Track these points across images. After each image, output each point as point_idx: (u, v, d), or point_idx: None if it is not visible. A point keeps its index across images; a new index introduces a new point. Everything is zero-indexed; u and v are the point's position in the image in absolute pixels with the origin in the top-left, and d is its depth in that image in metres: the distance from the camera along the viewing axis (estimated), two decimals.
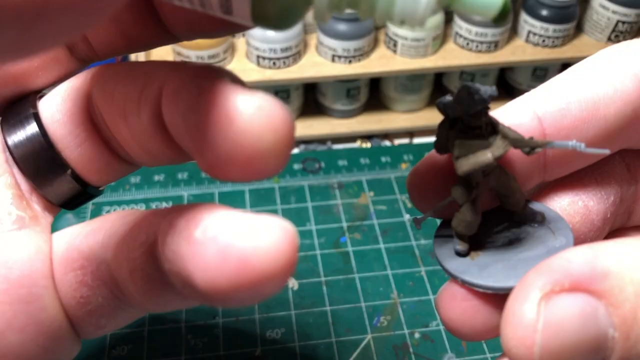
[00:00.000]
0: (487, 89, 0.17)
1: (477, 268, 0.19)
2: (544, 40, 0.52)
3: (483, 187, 0.18)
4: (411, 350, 0.39)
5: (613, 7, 0.51)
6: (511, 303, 0.15)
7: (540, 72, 0.56)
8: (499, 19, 0.15)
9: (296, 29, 0.49)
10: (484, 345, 0.39)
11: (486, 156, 0.17)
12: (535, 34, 0.52)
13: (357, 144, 0.56)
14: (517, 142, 0.18)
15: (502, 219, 0.20)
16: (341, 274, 0.44)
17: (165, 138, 0.19)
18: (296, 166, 0.52)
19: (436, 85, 0.57)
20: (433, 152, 0.20)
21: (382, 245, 0.45)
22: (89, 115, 0.21)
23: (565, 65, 0.57)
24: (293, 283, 0.43)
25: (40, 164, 0.21)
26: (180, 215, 0.16)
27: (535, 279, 0.15)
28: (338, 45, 0.49)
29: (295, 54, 0.50)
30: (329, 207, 0.48)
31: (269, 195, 0.49)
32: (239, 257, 0.14)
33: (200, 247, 0.15)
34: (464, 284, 0.19)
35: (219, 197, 0.49)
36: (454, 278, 0.19)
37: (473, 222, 0.19)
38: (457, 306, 0.20)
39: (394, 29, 0.50)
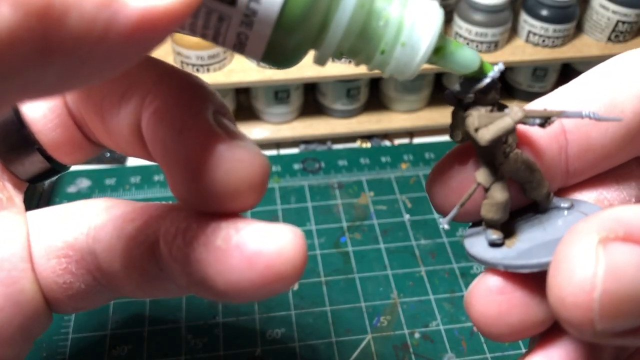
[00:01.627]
0: (494, 69, 0.18)
1: (516, 252, 0.18)
2: (544, 40, 0.52)
3: (506, 167, 0.18)
4: (411, 350, 0.39)
5: (613, 7, 0.51)
6: (563, 249, 0.14)
7: (540, 72, 0.56)
8: (477, 75, 0.17)
9: None
10: (484, 346, 0.39)
11: (506, 121, 0.17)
12: (535, 34, 0.52)
13: (357, 144, 0.56)
14: (532, 111, 0.18)
15: (530, 211, 0.20)
16: (341, 274, 0.44)
17: (142, 147, 0.19)
18: (296, 166, 0.52)
19: (436, 85, 0.57)
20: (450, 152, 0.20)
21: (382, 245, 0.45)
22: (65, 102, 0.21)
23: (565, 65, 0.57)
24: None
25: (14, 143, 0.21)
26: (188, 220, 0.17)
27: (588, 226, 0.14)
28: None
29: None
30: (329, 207, 0.48)
31: (269, 195, 0.49)
32: (264, 263, 0.16)
33: (223, 254, 0.16)
34: (507, 269, 0.17)
35: None
36: (494, 267, 0.18)
37: (504, 204, 0.18)
38: (492, 301, 0.18)
39: None
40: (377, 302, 0.42)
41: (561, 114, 0.18)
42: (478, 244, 0.19)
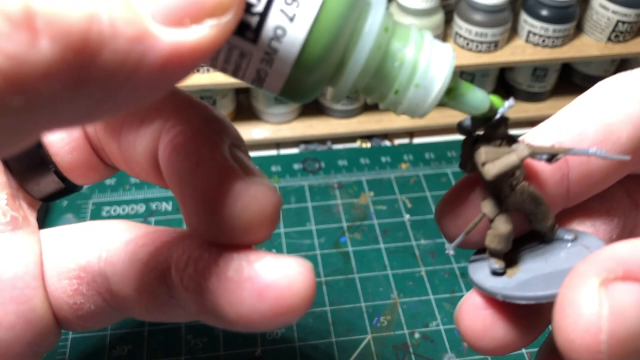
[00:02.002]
0: (504, 105, 0.18)
1: (516, 283, 0.19)
2: (544, 40, 0.52)
3: (512, 200, 0.19)
4: (411, 350, 0.39)
5: (613, 7, 0.51)
6: (566, 293, 0.14)
7: (540, 72, 0.56)
8: (487, 114, 0.18)
9: None
10: None
11: (511, 158, 0.18)
12: (535, 34, 0.52)
13: (357, 144, 0.56)
14: (539, 148, 0.18)
15: (534, 240, 0.20)
16: (341, 274, 0.44)
17: (157, 174, 0.20)
18: (296, 166, 0.52)
19: None
20: (459, 182, 0.21)
21: (382, 245, 0.45)
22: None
23: (565, 65, 0.57)
24: None
25: (31, 164, 0.22)
26: (200, 250, 0.17)
27: (588, 268, 0.14)
28: None
29: None
30: (329, 207, 0.48)
31: None
32: (275, 296, 0.16)
33: (234, 285, 0.16)
34: (505, 299, 0.18)
35: None
36: (494, 296, 0.19)
37: (506, 235, 0.19)
38: (477, 316, 0.19)
39: None
40: (377, 302, 0.42)
41: (568, 152, 0.18)
42: (481, 271, 0.20)
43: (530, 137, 0.20)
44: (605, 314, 0.14)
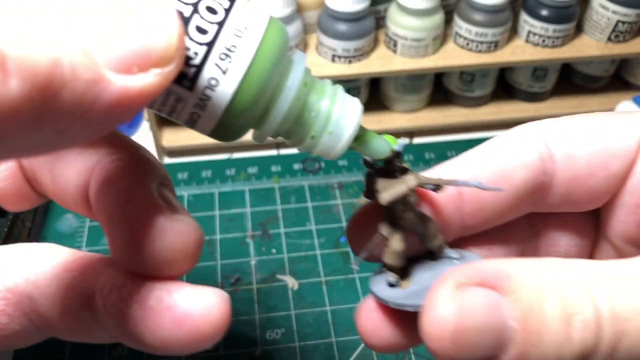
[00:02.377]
0: (398, 143, 0.22)
1: (407, 293, 0.22)
2: (544, 40, 0.52)
3: (405, 222, 0.22)
4: (411, 350, 0.39)
5: (613, 7, 0.51)
6: (432, 292, 0.17)
7: (540, 72, 0.56)
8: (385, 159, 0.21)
9: (296, 28, 0.49)
10: None
11: (401, 187, 0.21)
12: (535, 34, 0.52)
13: None
14: (425, 179, 0.22)
15: (427, 259, 0.24)
16: (341, 274, 0.44)
17: (87, 207, 0.21)
18: (296, 166, 0.52)
19: (436, 85, 0.57)
20: (363, 207, 0.24)
21: None
22: None
23: (565, 65, 0.57)
24: (293, 283, 0.43)
25: None
26: (124, 278, 0.19)
27: (450, 275, 0.17)
28: (338, 45, 0.49)
29: None
30: (329, 207, 0.48)
31: (269, 195, 0.49)
32: (192, 324, 0.18)
33: (154, 313, 0.18)
34: (397, 307, 0.21)
35: (219, 197, 0.49)
36: (387, 304, 0.22)
37: (400, 253, 0.22)
38: (370, 317, 0.23)
39: (394, 29, 0.50)
40: None
41: (451, 183, 0.21)
42: (379, 283, 0.23)
43: (436, 172, 0.23)
44: (454, 311, 0.17)
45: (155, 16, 0.14)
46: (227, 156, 0.54)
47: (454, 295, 0.17)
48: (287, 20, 0.48)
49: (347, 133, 0.20)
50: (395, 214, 0.22)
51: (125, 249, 0.18)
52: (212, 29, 0.17)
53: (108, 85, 0.14)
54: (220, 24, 0.17)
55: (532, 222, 0.26)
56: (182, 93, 0.17)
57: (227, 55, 0.17)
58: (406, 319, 0.22)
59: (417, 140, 0.56)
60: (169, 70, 0.15)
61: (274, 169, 0.52)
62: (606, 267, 0.17)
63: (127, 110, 0.14)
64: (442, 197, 0.23)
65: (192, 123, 0.18)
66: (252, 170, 0.52)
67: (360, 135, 0.20)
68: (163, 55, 0.14)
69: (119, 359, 0.38)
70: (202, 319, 0.18)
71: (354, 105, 0.20)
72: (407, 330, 0.22)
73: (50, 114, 0.13)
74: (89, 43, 0.14)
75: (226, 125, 0.18)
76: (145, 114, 0.56)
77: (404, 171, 0.22)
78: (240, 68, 0.17)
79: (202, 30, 0.17)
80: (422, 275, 0.23)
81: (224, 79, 0.17)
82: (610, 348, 0.16)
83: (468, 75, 0.55)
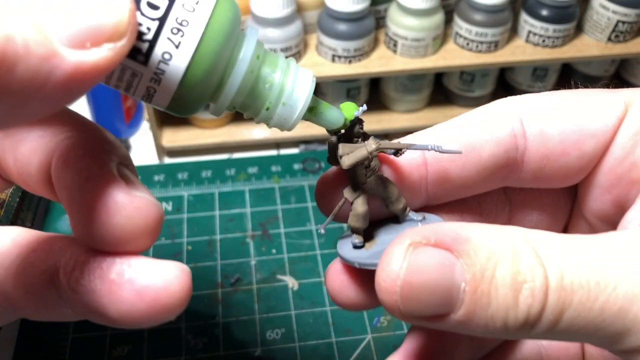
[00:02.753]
0: (358, 109, 0.22)
1: (369, 254, 0.23)
2: (544, 40, 0.52)
3: (367, 186, 0.23)
4: None
5: (613, 7, 0.51)
6: (388, 249, 0.18)
7: (540, 72, 0.56)
8: (342, 128, 0.22)
9: (296, 28, 0.49)
10: None
11: (362, 151, 0.22)
12: (535, 34, 0.52)
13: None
14: (385, 144, 0.22)
15: (391, 222, 0.25)
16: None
17: (49, 188, 0.21)
18: (296, 166, 0.52)
19: (436, 85, 0.57)
20: (327, 172, 0.24)
21: None
22: None
23: (565, 65, 0.57)
24: (293, 283, 0.43)
25: None
26: (86, 255, 0.19)
27: (408, 234, 0.18)
28: (338, 45, 0.49)
29: (295, 54, 0.50)
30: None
31: (269, 195, 0.49)
32: (152, 296, 0.18)
33: (116, 287, 0.18)
34: (360, 266, 0.22)
35: (219, 197, 0.49)
36: (352, 264, 0.23)
37: (363, 215, 0.23)
38: (336, 278, 0.24)
39: (394, 29, 0.50)
40: None
41: (410, 147, 0.22)
42: (345, 245, 0.24)
43: (405, 140, 0.23)
44: (405, 267, 0.17)
45: None
46: (227, 156, 0.54)
47: (407, 252, 0.18)
48: (287, 20, 0.48)
49: (300, 104, 0.20)
50: (357, 179, 0.23)
51: (86, 226, 0.19)
52: (163, 4, 0.17)
53: (61, 60, 0.14)
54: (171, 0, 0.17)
55: (507, 192, 0.26)
56: (137, 68, 0.18)
57: (178, 30, 0.17)
58: (371, 279, 0.23)
59: None
60: (122, 44, 0.15)
61: (274, 169, 0.52)
62: (563, 240, 0.18)
63: (82, 84, 0.15)
64: (407, 166, 0.23)
65: (148, 98, 0.19)
66: (252, 170, 0.52)
67: (314, 107, 0.21)
68: (115, 30, 0.15)
69: (118, 359, 0.38)
70: (162, 290, 0.18)
71: (307, 76, 0.20)
72: (371, 290, 0.23)
73: (4, 90, 0.13)
74: (42, 19, 0.14)
75: (182, 99, 0.19)
76: (145, 114, 0.56)
77: (365, 137, 0.23)
78: (192, 41, 0.18)
79: (153, 6, 0.17)
80: (385, 237, 0.24)
81: (176, 53, 0.18)
82: (553, 317, 0.17)
83: (468, 75, 0.55)
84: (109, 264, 0.19)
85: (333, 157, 0.23)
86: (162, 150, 0.54)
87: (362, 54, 0.51)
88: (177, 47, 0.17)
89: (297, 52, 0.50)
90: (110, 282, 0.18)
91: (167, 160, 0.54)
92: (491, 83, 0.57)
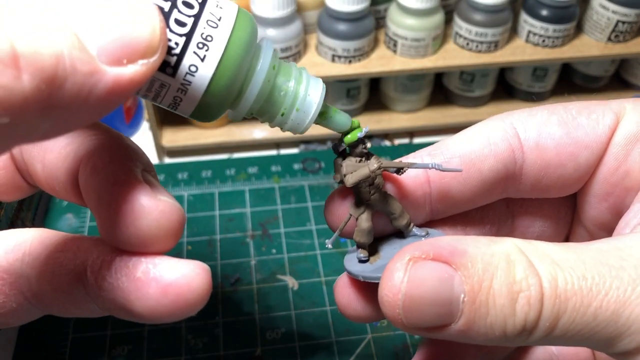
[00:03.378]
0: (362, 130, 0.23)
1: (374, 267, 0.24)
2: (544, 40, 0.52)
3: (372, 203, 0.24)
4: (411, 350, 0.39)
5: (613, 7, 0.51)
6: (390, 264, 0.19)
7: (540, 72, 0.56)
8: (349, 134, 0.23)
9: (296, 28, 0.49)
10: None
11: (364, 170, 0.23)
12: (535, 34, 0.52)
13: None
14: (387, 163, 0.24)
15: (395, 237, 0.26)
16: (341, 273, 0.43)
17: (76, 193, 0.23)
18: (296, 166, 0.52)
19: (436, 85, 0.57)
20: (335, 190, 0.26)
21: None
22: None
23: (565, 65, 0.57)
24: (293, 283, 0.43)
25: None
26: (112, 254, 0.20)
27: (408, 250, 0.19)
28: (338, 45, 0.49)
29: (295, 54, 0.50)
30: None
31: (269, 195, 0.49)
32: (176, 292, 0.20)
33: (142, 284, 0.20)
34: (365, 279, 0.23)
35: (219, 197, 0.49)
36: (357, 277, 0.24)
37: (367, 230, 0.24)
38: (344, 292, 0.25)
39: (394, 29, 0.50)
40: None
41: (411, 166, 0.23)
42: (351, 260, 0.25)
43: (409, 159, 0.24)
44: (405, 281, 0.18)
45: (139, 12, 0.16)
46: (227, 156, 0.54)
47: (407, 267, 0.18)
48: (287, 20, 0.48)
49: (313, 109, 0.22)
50: (362, 196, 0.24)
51: (113, 228, 0.20)
52: (189, 22, 0.19)
53: (103, 76, 0.16)
54: (196, 17, 0.19)
55: (509, 204, 0.27)
56: (165, 79, 0.19)
57: (204, 45, 0.19)
58: (376, 293, 0.24)
59: (417, 140, 0.56)
60: (154, 60, 0.17)
61: (274, 169, 0.52)
62: (556, 248, 0.19)
63: (120, 97, 0.17)
64: (410, 183, 0.25)
65: (174, 106, 0.20)
66: (252, 170, 0.52)
67: (325, 112, 0.23)
68: (148, 47, 0.17)
69: (118, 359, 0.38)
70: (185, 287, 0.20)
71: (318, 84, 0.22)
72: (377, 303, 0.24)
73: (56, 103, 0.15)
74: (84, 37, 0.16)
75: (205, 107, 0.20)
76: (145, 114, 0.56)
77: (369, 156, 0.24)
78: (216, 55, 0.19)
79: (180, 23, 0.19)
80: (389, 252, 0.25)
81: (202, 65, 0.19)
82: (550, 324, 0.18)
83: (468, 75, 0.55)
84: (135, 263, 0.20)
85: (337, 174, 0.24)
86: (162, 150, 0.54)
87: (362, 54, 0.51)
88: (202, 60, 0.19)
89: (297, 52, 0.50)
90: (136, 280, 0.20)
91: (167, 160, 0.54)
92: (491, 83, 0.57)
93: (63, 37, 0.15)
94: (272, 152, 0.55)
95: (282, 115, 0.22)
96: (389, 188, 0.25)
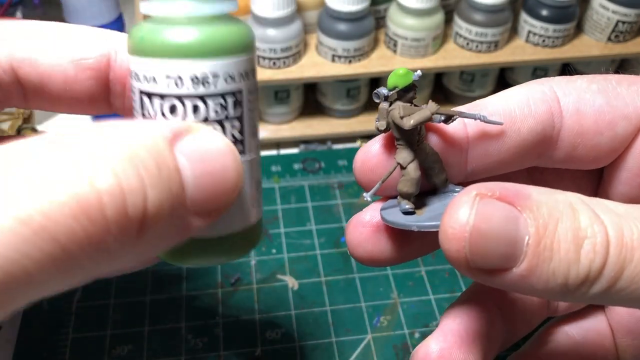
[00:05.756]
0: (414, 74, 0.23)
1: (425, 218, 0.23)
2: (544, 40, 0.52)
3: (418, 152, 0.23)
4: (411, 350, 0.39)
5: (613, 7, 0.51)
6: (454, 200, 0.18)
7: (540, 72, 0.56)
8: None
9: (296, 28, 0.49)
10: None
11: (425, 112, 0.22)
12: (535, 34, 0.52)
13: (357, 144, 0.56)
14: (442, 108, 0.23)
15: (431, 194, 0.25)
16: (341, 274, 0.44)
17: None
18: (296, 166, 0.52)
19: (436, 85, 0.57)
20: (371, 142, 0.24)
21: None
22: None
23: (565, 65, 0.57)
24: (293, 283, 0.43)
25: None
26: None
27: (473, 187, 0.18)
28: (338, 45, 0.49)
29: (295, 54, 0.50)
30: (329, 207, 0.48)
31: (269, 195, 0.49)
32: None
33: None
34: (420, 229, 0.23)
35: None
36: (409, 228, 0.23)
37: (417, 180, 0.23)
38: (357, 230, 0.25)
39: (394, 29, 0.50)
40: (377, 302, 0.42)
41: (461, 114, 0.23)
42: (393, 214, 0.24)
43: (455, 109, 0.23)
44: (474, 214, 0.18)
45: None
46: None
47: (474, 202, 0.18)
48: (287, 20, 0.48)
49: None
50: (412, 143, 0.23)
51: None
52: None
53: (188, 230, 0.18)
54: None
55: (532, 176, 0.27)
56: None
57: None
58: (398, 236, 0.24)
59: None
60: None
61: (274, 169, 0.52)
62: (619, 204, 0.18)
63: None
64: (450, 139, 0.24)
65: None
66: None
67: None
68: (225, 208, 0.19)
69: (118, 359, 0.38)
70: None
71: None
72: (391, 247, 0.25)
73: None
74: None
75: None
76: None
77: (416, 105, 0.23)
78: None
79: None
80: (433, 204, 0.24)
81: None
82: (615, 273, 0.17)
83: (468, 75, 0.55)
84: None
85: (382, 121, 0.23)
86: None
87: (362, 54, 0.51)
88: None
89: (297, 52, 0.50)
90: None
91: None
92: (491, 83, 0.57)
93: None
94: (272, 152, 0.55)
95: None
96: (430, 140, 0.24)
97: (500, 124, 0.23)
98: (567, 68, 0.57)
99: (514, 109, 0.23)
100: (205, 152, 0.18)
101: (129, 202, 0.15)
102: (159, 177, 0.16)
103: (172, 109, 0.20)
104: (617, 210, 0.18)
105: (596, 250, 0.17)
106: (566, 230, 0.18)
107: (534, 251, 0.18)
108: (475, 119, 0.23)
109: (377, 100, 0.23)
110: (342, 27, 0.49)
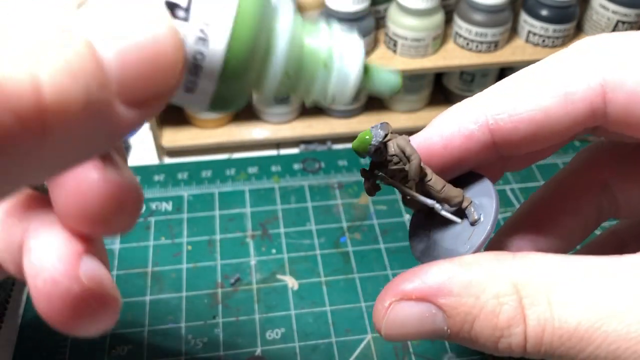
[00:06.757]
0: (376, 134, 0.22)
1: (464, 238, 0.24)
2: (544, 40, 0.52)
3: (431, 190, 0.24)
4: (411, 350, 0.39)
5: (613, 7, 0.51)
6: (376, 302, 0.21)
7: None
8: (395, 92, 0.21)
9: None
10: None
11: (407, 190, 0.24)
12: (535, 34, 0.52)
13: None
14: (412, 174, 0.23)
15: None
16: (341, 274, 0.44)
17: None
18: (296, 166, 0.52)
19: (436, 85, 0.57)
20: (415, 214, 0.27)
21: (382, 245, 0.45)
22: None
23: None
24: (293, 283, 0.43)
25: None
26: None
27: (394, 284, 0.20)
28: None
29: None
30: (329, 207, 0.48)
31: (269, 195, 0.49)
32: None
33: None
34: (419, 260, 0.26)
35: (219, 197, 0.49)
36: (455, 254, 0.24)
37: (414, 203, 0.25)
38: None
39: (394, 29, 0.50)
40: None
41: (414, 197, 0.24)
42: (428, 252, 0.26)
43: (506, 93, 0.23)
44: (384, 324, 0.20)
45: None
46: (227, 156, 0.54)
47: (387, 311, 0.20)
48: None
49: (356, 67, 0.18)
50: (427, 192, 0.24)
51: (58, 203, 0.18)
52: None
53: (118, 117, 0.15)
54: None
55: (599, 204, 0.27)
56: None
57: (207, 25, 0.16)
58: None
59: None
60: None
61: (274, 169, 0.52)
62: (570, 279, 0.18)
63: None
64: (470, 141, 0.24)
65: (191, 90, 0.17)
66: (252, 170, 0.52)
67: (368, 67, 0.19)
68: (169, 94, 0.15)
69: (118, 359, 0.38)
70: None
71: (354, 37, 0.19)
72: None
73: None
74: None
75: (226, 87, 0.17)
76: None
77: (386, 160, 0.23)
78: (225, 25, 0.16)
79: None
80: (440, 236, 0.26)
81: (211, 39, 0.16)
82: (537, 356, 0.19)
83: (468, 75, 0.55)
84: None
85: (373, 188, 0.24)
86: (162, 150, 0.54)
87: None
88: (206, 43, 0.16)
89: None
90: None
91: (167, 160, 0.54)
92: (491, 83, 0.56)
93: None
94: (272, 152, 0.55)
95: (325, 67, 0.18)
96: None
97: (458, 222, 0.24)
98: None
99: (568, 82, 0.22)
100: (125, 22, 0.14)
101: (8, 90, 0.12)
102: (56, 54, 0.13)
103: None
104: (554, 298, 0.18)
105: (512, 349, 0.18)
106: (482, 329, 0.19)
107: (454, 337, 0.19)
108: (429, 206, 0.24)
109: (363, 177, 0.24)
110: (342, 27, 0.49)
